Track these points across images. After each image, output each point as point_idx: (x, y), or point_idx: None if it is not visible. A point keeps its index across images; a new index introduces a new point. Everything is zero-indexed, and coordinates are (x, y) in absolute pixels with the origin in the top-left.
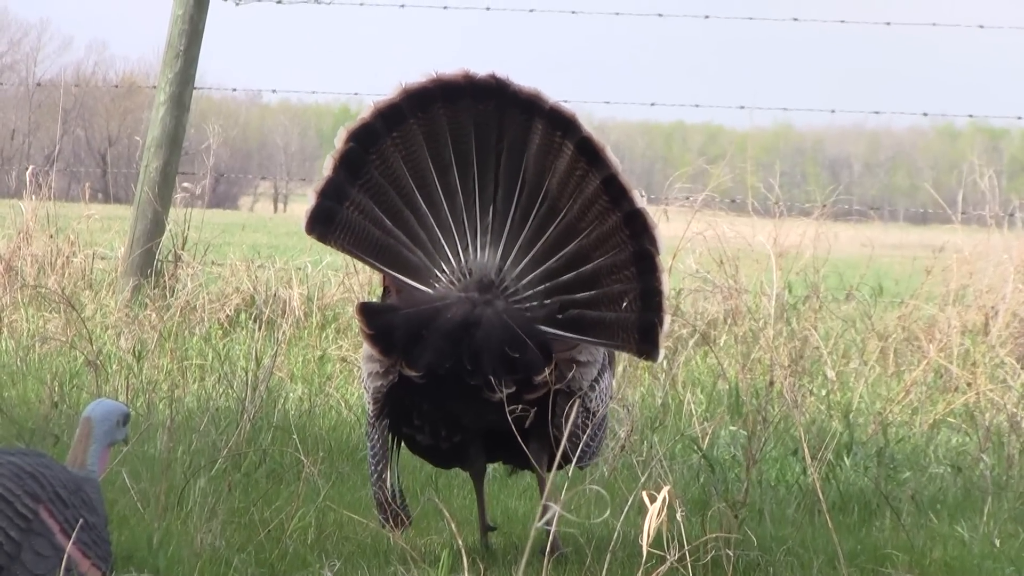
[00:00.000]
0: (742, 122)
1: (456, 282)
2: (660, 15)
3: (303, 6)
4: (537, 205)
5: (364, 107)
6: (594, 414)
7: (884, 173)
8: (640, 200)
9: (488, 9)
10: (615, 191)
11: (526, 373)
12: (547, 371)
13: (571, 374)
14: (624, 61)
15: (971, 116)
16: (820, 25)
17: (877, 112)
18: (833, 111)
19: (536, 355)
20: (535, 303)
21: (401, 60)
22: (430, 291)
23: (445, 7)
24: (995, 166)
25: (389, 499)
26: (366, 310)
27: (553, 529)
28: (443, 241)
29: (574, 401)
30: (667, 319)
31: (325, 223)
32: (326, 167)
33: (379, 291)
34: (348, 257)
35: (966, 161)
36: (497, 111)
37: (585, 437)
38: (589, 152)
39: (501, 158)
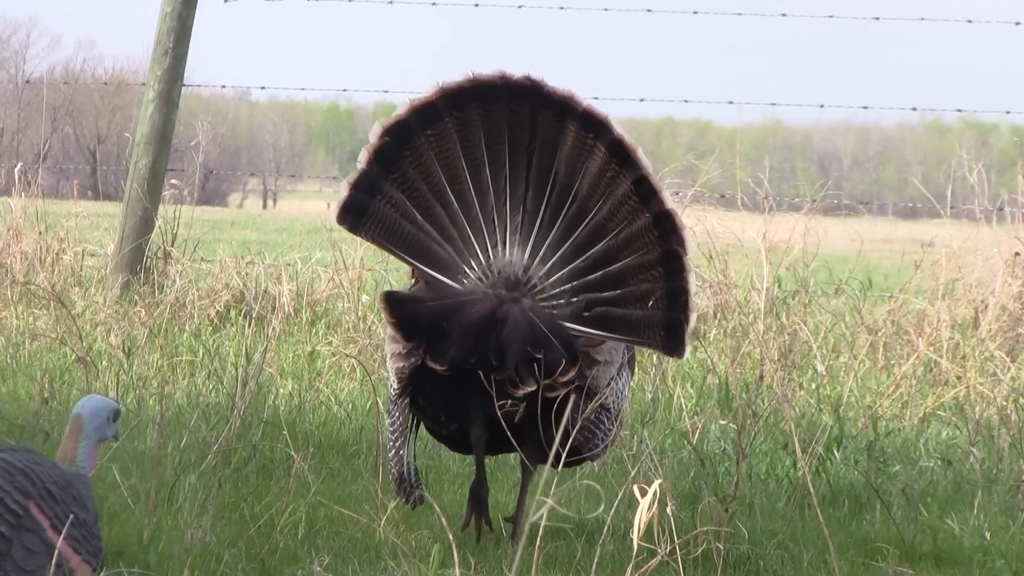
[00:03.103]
0: (731, 117)
1: (484, 278)
2: (649, 10)
3: (291, 3)
4: (567, 205)
5: (399, 104)
6: (608, 410)
7: (873, 168)
8: (670, 201)
9: (477, 5)
10: (645, 192)
11: (549, 371)
12: (573, 371)
13: (589, 372)
14: (613, 57)
15: (960, 111)
16: (809, 21)
17: (866, 107)
18: (822, 106)
19: (561, 354)
20: (562, 301)
21: (390, 57)
22: (458, 286)
23: (434, 3)
24: (984, 160)
25: (405, 474)
26: (390, 299)
27: (519, 517)
28: (473, 238)
29: (581, 396)
30: (693, 317)
31: (356, 215)
32: (360, 160)
33: (378, 285)
34: (340, 255)
35: (955, 156)
36: (531, 112)
37: (600, 433)
38: (621, 154)
39: (533, 158)
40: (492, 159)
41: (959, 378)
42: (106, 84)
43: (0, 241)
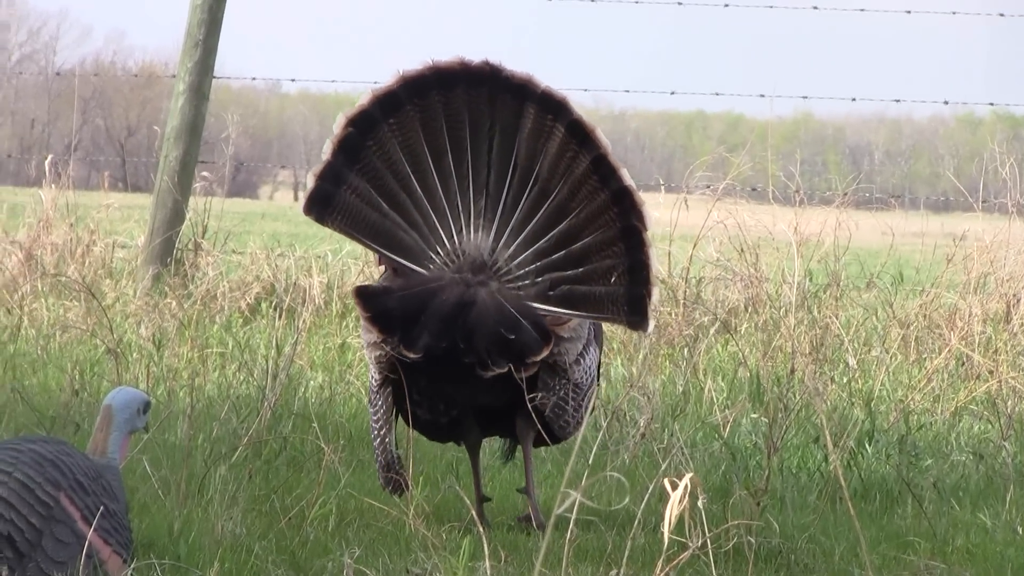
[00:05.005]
0: (763, 110)
1: (450, 263)
2: (680, 3)
3: None
4: (529, 187)
5: (362, 94)
6: (577, 386)
7: (905, 161)
8: (628, 178)
9: None
10: (604, 170)
11: (520, 351)
12: (546, 350)
13: (557, 349)
14: (644, 50)
15: (992, 104)
16: (840, 13)
17: (898, 100)
18: (854, 99)
19: (530, 334)
20: (527, 282)
21: (421, 49)
22: (425, 272)
23: None
24: (1016, 154)
25: (391, 463)
26: (363, 293)
27: (533, 501)
28: (438, 224)
29: (550, 373)
30: (655, 291)
31: (322, 205)
32: (324, 152)
33: (375, 272)
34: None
35: (987, 149)
36: (490, 96)
37: (570, 409)
38: (580, 134)
39: (494, 142)
40: (454, 145)
41: (991, 372)
42: (136, 76)
43: (31, 233)
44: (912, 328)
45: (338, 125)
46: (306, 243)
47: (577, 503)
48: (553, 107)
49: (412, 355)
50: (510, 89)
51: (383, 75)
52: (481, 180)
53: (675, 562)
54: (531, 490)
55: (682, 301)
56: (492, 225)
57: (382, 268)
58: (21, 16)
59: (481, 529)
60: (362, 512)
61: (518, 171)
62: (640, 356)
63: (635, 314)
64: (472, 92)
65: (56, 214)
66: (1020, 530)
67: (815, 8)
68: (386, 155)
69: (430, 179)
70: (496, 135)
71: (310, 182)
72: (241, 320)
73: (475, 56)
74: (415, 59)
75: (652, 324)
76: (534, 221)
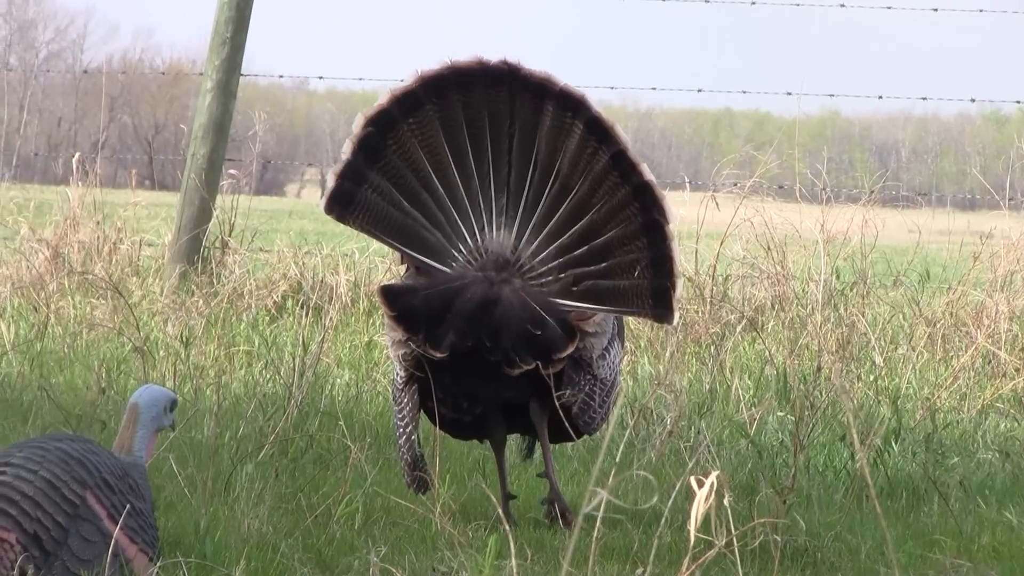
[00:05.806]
0: (789, 108)
1: (473, 261)
2: (707, 0)
3: None
4: (549, 184)
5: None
6: (602, 382)
7: (932, 159)
8: (649, 173)
9: None
10: (624, 166)
11: (546, 348)
12: (572, 346)
13: (581, 344)
14: (671, 47)
15: (1019, 102)
16: (867, 11)
17: (925, 98)
18: (880, 97)
19: (556, 331)
20: (550, 278)
21: (448, 46)
22: (448, 270)
23: None
24: None
25: (416, 460)
26: (387, 292)
27: (554, 484)
28: (460, 222)
29: (575, 367)
30: (679, 283)
31: (343, 204)
32: (344, 151)
33: (400, 270)
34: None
35: (1014, 147)
36: (509, 95)
37: (595, 404)
38: (599, 131)
39: (514, 141)
40: (474, 143)
41: (1018, 370)
42: (163, 74)
43: (58, 231)
44: (939, 326)
45: (357, 124)
46: (333, 241)
47: (604, 501)
48: (572, 105)
49: (438, 354)
50: (529, 88)
51: (410, 73)
52: (502, 178)
53: (701, 560)
54: (551, 473)
55: (709, 299)
56: (514, 222)
57: (405, 266)
58: (48, 14)
59: (507, 527)
60: (388, 510)
61: (538, 168)
62: (667, 354)
63: (660, 307)
64: (491, 91)
65: (83, 212)
66: None
67: (842, 6)
68: (406, 154)
69: (451, 177)
70: (516, 133)
71: (330, 181)
72: (268, 318)
73: (495, 55)
74: (438, 58)
75: (677, 316)
76: (556, 217)
